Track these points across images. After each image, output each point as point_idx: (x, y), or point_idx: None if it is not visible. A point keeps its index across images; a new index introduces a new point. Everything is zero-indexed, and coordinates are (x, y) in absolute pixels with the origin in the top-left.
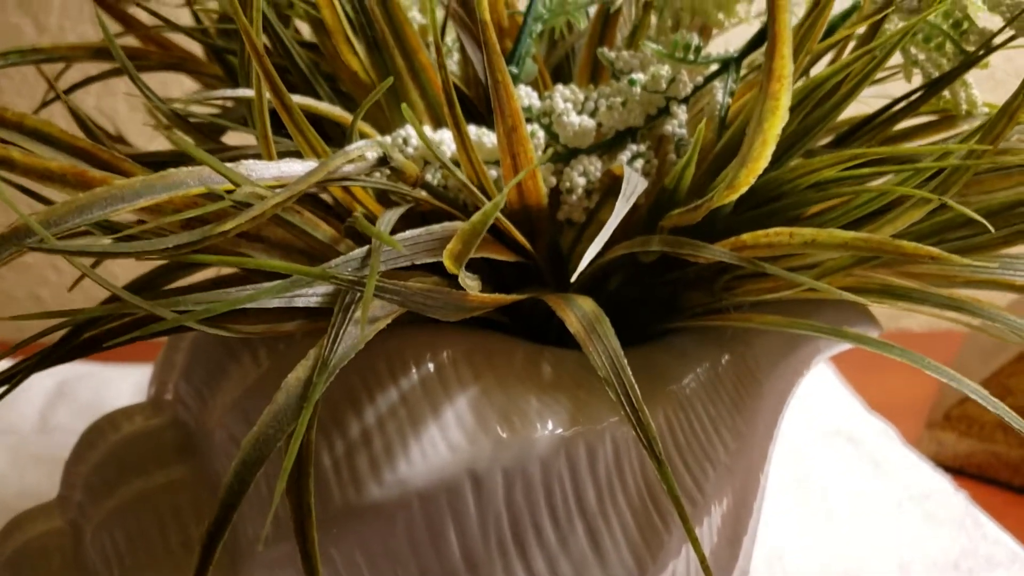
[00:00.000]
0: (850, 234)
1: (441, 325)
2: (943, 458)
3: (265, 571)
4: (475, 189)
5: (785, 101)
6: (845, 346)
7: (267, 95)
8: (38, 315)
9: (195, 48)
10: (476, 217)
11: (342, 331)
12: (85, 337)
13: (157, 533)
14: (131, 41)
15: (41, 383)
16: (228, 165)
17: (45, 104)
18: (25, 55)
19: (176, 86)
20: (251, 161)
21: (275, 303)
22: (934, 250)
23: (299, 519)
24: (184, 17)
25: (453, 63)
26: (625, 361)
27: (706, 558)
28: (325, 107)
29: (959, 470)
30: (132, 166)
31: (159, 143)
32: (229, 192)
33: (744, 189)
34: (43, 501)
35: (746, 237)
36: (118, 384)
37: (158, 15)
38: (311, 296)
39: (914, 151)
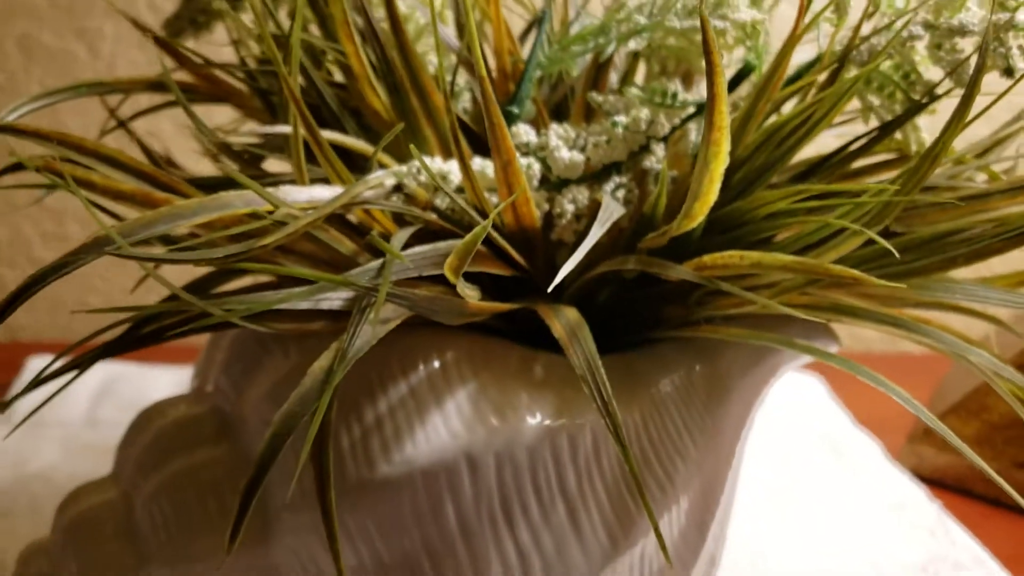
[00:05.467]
0: (789, 257)
1: (447, 329)
2: (923, 470)
3: (291, 536)
4: (474, 213)
5: (725, 146)
6: (806, 359)
7: (302, 131)
8: (109, 309)
9: (238, 82)
10: (468, 236)
11: (359, 328)
12: (145, 331)
13: (198, 503)
14: (182, 75)
15: (86, 383)
16: (268, 190)
17: (105, 133)
18: (92, 87)
19: (219, 112)
20: (287, 187)
21: (304, 305)
22: (856, 272)
23: (320, 483)
24: (229, 54)
25: (467, 100)
26: (599, 362)
27: (661, 532)
28: (351, 141)
29: (938, 482)
30: (188, 188)
31: (204, 164)
32: (270, 212)
33: (699, 219)
34: None
35: (706, 259)
36: (156, 382)
37: (207, 59)
38: (334, 300)
39: (851, 187)
